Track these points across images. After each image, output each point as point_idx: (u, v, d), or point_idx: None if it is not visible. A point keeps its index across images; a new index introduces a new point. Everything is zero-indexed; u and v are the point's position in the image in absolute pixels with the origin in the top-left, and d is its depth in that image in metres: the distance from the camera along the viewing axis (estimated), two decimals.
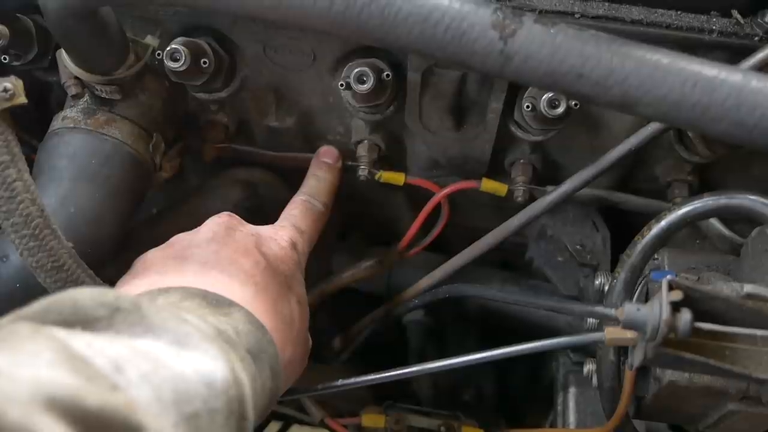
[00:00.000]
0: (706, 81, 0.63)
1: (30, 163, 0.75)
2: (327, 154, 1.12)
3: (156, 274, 0.83)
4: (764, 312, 0.73)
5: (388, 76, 0.99)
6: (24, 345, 0.49)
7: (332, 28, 0.68)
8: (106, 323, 0.58)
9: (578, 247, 1.16)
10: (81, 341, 0.53)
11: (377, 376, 0.98)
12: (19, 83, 0.69)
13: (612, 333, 0.76)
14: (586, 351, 1.14)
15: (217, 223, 0.91)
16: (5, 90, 0.68)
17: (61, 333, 0.53)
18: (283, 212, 1.02)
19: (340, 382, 0.98)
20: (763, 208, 0.85)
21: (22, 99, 0.69)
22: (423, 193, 1.17)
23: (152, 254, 0.89)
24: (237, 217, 0.95)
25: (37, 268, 0.76)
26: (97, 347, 0.53)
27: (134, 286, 0.82)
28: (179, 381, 0.57)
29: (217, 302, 0.74)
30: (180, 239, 0.90)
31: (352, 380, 0.98)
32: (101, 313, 0.58)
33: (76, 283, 0.80)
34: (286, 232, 0.96)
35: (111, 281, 0.87)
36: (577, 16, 0.91)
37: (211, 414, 0.59)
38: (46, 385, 0.45)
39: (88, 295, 0.58)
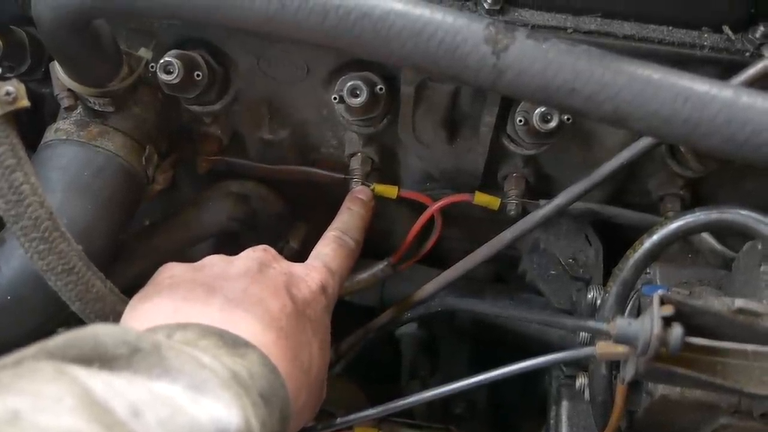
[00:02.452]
0: (697, 96, 0.63)
1: None
2: (361, 192, 1.11)
3: (182, 300, 0.81)
4: (755, 326, 0.73)
5: (381, 89, 0.99)
6: (46, 387, 0.50)
7: (326, 41, 0.69)
8: (125, 362, 0.58)
9: (571, 260, 1.16)
10: (101, 382, 0.53)
11: (379, 409, 0.97)
12: (21, 86, 0.69)
13: (603, 347, 0.76)
14: (579, 364, 1.14)
15: (252, 257, 0.90)
16: (8, 93, 0.67)
17: (82, 374, 0.53)
18: (315, 248, 1.00)
19: (339, 420, 0.98)
20: (755, 223, 0.85)
21: (25, 102, 0.69)
22: (416, 206, 1.17)
23: (180, 271, 0.87)
24: (272, 251, 0.93)
25: (48, 271, 0.76)
26: (117, 389, 0.54)
27: (157, 305, 0.82)
28: (194, 428, 0.57)
29: (234, 343, 0.73)
30: (212, 264, 0.89)
31: (353, 416, 0.98)
32: (122, 351, 0.58)
33: (87, 285, 0.79)
34: (318, 274, 0.93)
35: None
36: (569, 31, 0.91)
37: None
38: None
39: (110, 332, 0.59)
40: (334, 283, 0.95)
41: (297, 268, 0.93)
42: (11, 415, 0.45)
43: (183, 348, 0.65)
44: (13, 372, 0.51)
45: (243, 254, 0.92)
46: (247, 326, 0.78)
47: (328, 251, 0.99)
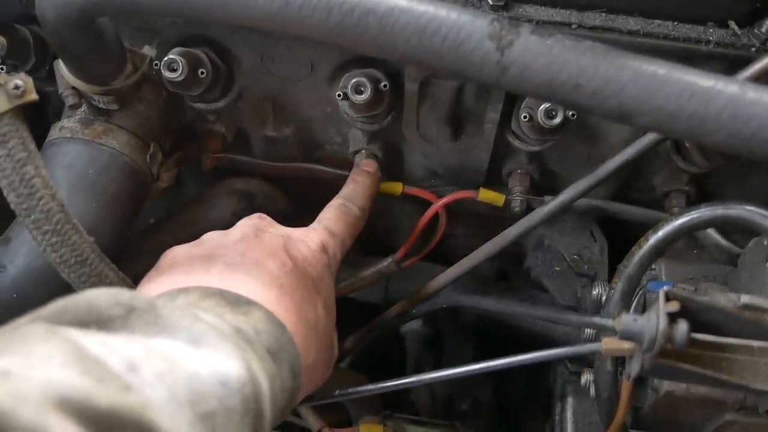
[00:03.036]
0: (703, 92, 0.63)
1: None
2: (367, 164, 1.11)
3: (182, 273, 0.82)
4: (761, 322, 0.73)
5: (385, 86, 0.99)
6: (37, 347, 0.50)
7: (330, 38, 0.68)
8: (122, 322, 0.58)
9: (576, 256, 1.16)
10: (95, 341, 0.53)
11: (377, 386, 0.97)
12: (29, 80, 0.69)
13: (609, 344, 0.76)
14: (584, 361, 1.14)
15: (247, 224, 0.91)
16: (16, 87, 0.68)
17: (76, 333, 0.53)
18: (318, 215, 1.00)
19: (337, 392, 0.98)
20: (761, 219, 0.85)
21: (33, 96, 0.69)
22: (420, 202, 1.17)
23: (180, 251, 0.88)
24: (268, 218, 0.94)
25: (61, 264, 0.76)
26: (112, 346, 0.54)
27: (160, 284, 0.82)
28: (194, 380, 0.57)
29: (236, 301, 0.73)
30: (210, 238, 0.90)
31: (351, 390, 0.98)
32: (116, 312, 0.58)
33: (100, 277, 0.80)
34: (317, 234, 0.93)
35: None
36: (574, 26, 0.91)
37: (227, 412, 0.58)
38: (57, 385, 0.46)
39: (103, 295, 0.59)
40: (335, 245, 0.95)
41: (295, 231, 0.93)
42: (2, 372, 0.45)
43: (182, 306, 0.65)
44: (6, 337, 0.51)
45: (239, 224, 0.92)
46: (248, 287, 0.78)
47: (330, 216, 0.99)
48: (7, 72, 1.01)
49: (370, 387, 0.98)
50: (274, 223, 0.94)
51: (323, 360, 0.87)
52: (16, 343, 0.50)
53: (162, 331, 0.60)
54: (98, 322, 0.57)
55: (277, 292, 0.79)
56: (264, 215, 0.95)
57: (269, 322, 0.73)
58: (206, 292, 0.73)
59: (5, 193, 0.71)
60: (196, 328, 0.62)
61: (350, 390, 0.98)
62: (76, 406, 0.45)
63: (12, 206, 0.72)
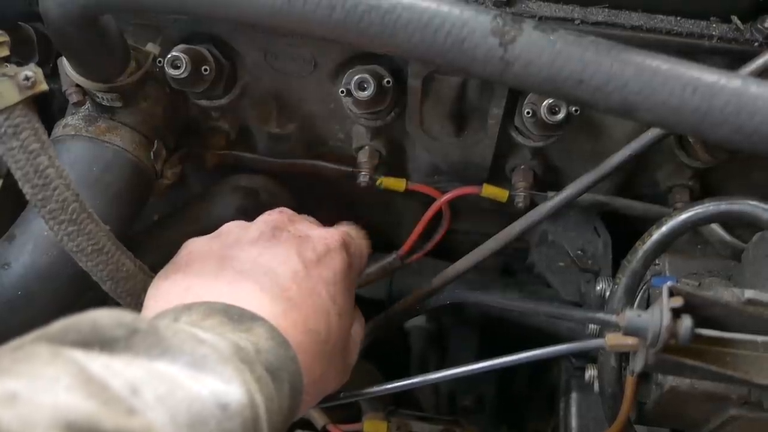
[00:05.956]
0: (706, 87, 0.63)
1: None
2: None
3: (195, 276, 0.82)
4: (765, 317, 0.73)
5: (388, 82, 0.99)
6: (43, 369, 0.50)
7: (333, 35, 0.68)
8: (124, 344, 0.58)
9: (579, 252, 1.16)
10: (99, 363, 0.53)
11: (382, 387, 0.97)
12: (39, 71, 0.69)
13: (613, 339, 0.76)
14: (588, 356, 1.14)
15: (267, 221, 0.89)
16: (27, 78, 0.68)
17: (80, 355, 0.53)
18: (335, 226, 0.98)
19: (342, 394, 0.98)
20: (764, 214, 0.85)
21: (43, 86, 0.69)
22: (424, 198, 1.17)
23: (197, 246, 0.87)
24: (289, 212, 0.92)
25: (78, 253, 0.76)
26: (115, 369, 0.54)
27: (174, 282, 0.82)
28: (194, 403, 0.57)
29: (239, 317, 0.73)
30: (229, 232, 0.89)
31: (357, 392, 0.98)
32: (119, 333, 0.58)
33: (117, 265, 0.80)
34: (338, 233, 0.91)
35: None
36: (577, 22, 0.91)
37: None
38: (64, 410, 0.46)
39: (107, 316, 0.59)
40: (355, 247, 0.93)
41: (315, 229, 0.91)
42: (9, 396, 0.45)
43: (183, 327, 0.66)
44: (12, 357, 0.51)
45: (260, 218, 0.91)
46: (255, 299, 0.77)
47: (345, 228, 0.97)
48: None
49: (375, 389, 0.98)
50: (296, 218, 0.92)
51: (334, 370, 0.86)
52: (21, 363, 0.50)
53: (163, 353, 0.60)
54: (101, 342, 0.57)
55: (285, 305, 0.78)
56: (286, 209, 0.93)
57: (272, 339, 0.73)
58: (210, 309, 0.73)
59: (20, 185, 0.71)
60: (197, 351, 0.62)
61: (355, 392, 0.98)
62: (83, 430, 0.46)
63: (27, 197, 0.72)
